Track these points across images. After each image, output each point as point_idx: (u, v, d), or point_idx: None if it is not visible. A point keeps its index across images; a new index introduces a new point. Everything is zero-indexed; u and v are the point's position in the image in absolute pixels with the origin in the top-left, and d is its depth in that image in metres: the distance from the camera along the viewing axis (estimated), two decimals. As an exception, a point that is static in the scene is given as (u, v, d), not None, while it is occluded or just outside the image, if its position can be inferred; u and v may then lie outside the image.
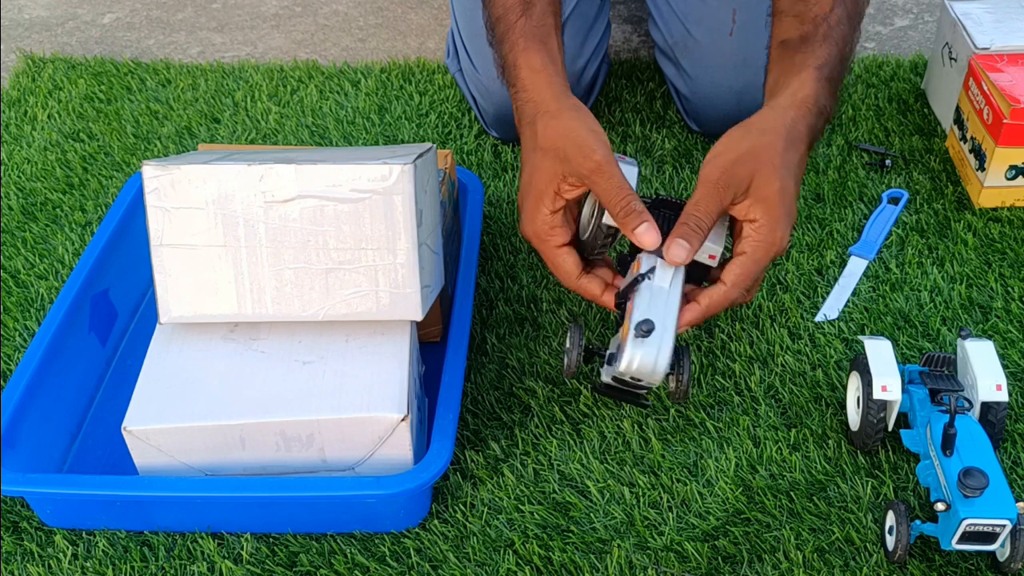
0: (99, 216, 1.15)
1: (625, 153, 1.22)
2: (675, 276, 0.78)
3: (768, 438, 0.88)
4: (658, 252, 0.79)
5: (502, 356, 0.97)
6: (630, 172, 0.80)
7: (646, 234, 0.76)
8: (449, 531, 0.82)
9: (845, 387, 0.92)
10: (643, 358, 0.75)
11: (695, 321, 0.80)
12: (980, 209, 1.12)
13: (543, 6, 0.86)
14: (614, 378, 0.78)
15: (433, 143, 0.91)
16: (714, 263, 0.81)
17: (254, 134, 1.27)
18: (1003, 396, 0.81)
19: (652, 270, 0.78)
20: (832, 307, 1.00)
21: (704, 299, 0.79)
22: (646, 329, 0.75)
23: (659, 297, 0.78)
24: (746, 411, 0.91)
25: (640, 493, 0.84)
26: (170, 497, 0.77)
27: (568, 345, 0.82)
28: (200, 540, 0.81)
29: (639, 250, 0.80)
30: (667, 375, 0.76)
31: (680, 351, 0.79)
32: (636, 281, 0.78)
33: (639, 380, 0.77)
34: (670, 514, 0.82)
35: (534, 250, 0.84)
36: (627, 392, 0.80)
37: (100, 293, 0.95)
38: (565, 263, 0.82)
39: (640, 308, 0.77)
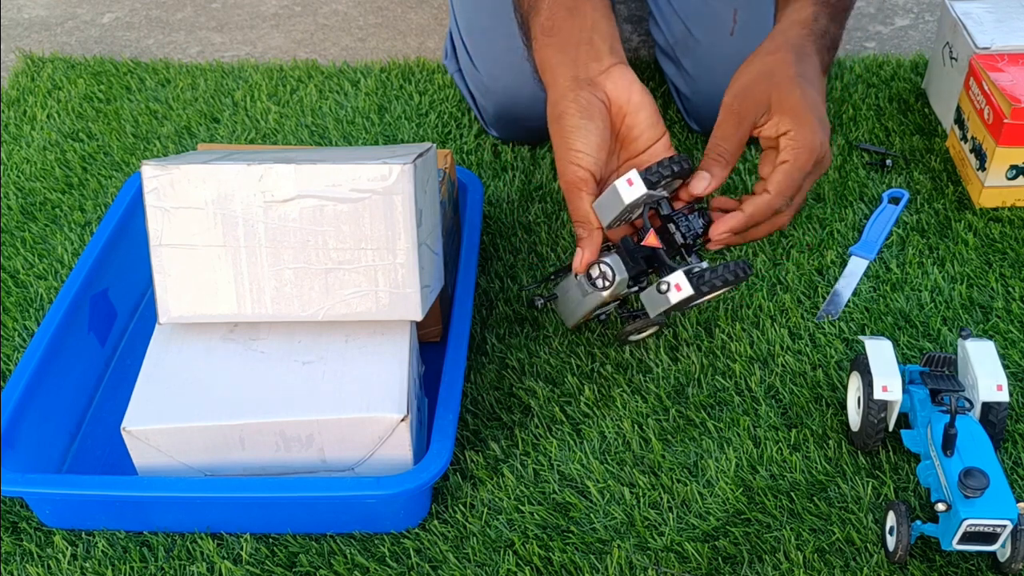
0: (98, 216, 1.14)
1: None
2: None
3: (768, 438, 0.88)
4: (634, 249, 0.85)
5: (502, 356, 0.97)
6: (617, 195, 0.80)
7: (577, 258, 0.82)
8: (449, 531, 0.82)
9: (845, 387, 0.92)
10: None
11: (738, 227, 0.80)
12: (981, 209, 1.12)
13: None
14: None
15: (433, 143, 0.90)
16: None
17: (254, 134, 1.27)
18: (1004, 396, 0.81)
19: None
20: (833, 307, 1.00)
21: (748, 206, 0.79)
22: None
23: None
24: (746, 411, 0.90)
25: (640, 493, 0.84)
26: (169, 497, 0.77)
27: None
28: (199, 540, 0.81)
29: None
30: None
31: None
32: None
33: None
34: (670, 514, 0.82)
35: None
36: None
37: (99, 293, 0.95)
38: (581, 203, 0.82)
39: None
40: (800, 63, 0.80)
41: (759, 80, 0.80)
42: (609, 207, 0.80)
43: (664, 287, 0.80)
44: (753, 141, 0.83)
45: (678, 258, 0.85)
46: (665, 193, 0.82)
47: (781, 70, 0.79)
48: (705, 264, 0.83)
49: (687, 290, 0.79)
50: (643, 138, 0.83)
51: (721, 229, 0.80)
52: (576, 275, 0.87)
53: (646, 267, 0.85)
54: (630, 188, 0.78)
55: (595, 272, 0.85)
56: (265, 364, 0.81)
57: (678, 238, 0.83)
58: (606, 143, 0.81)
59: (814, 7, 0.83)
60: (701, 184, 0.80)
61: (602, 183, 0.82)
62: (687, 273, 0.79)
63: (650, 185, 0.79)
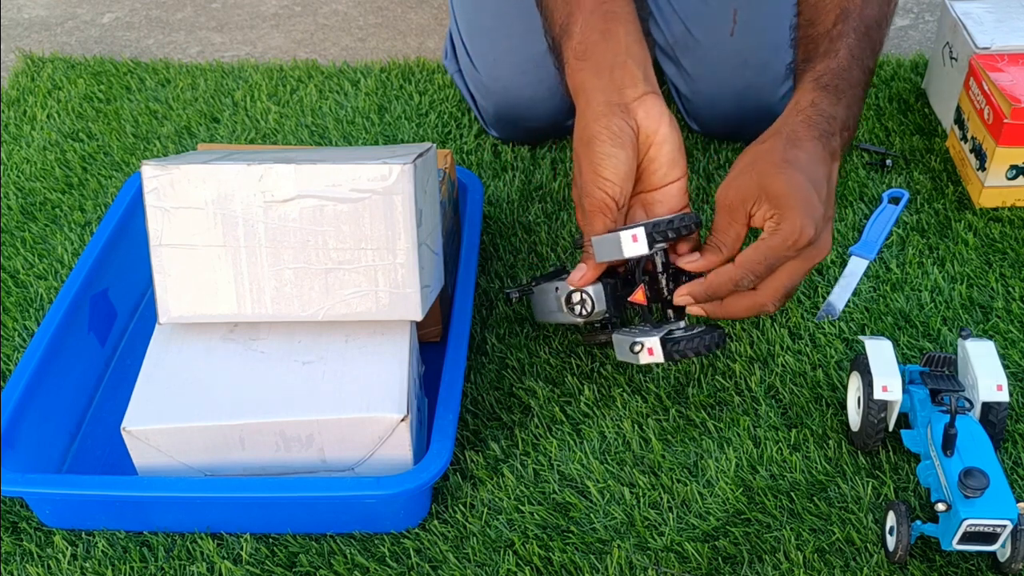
0: (98, 216, 1.14)
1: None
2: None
3: (768, 438, 0.88)
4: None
5: (502, 356, 0.97)
6: (619, 246, 0.81)
7: (576, 270, 0.84)
8: (449, 531, 0.82)
9: (845, 387, 0.92)
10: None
11: (698, 293, 0.81)
12: (981, 209, 1.12)
13: (584, 16, 0.83)
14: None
15: (433, 143, 0.90)
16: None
17: (253, 134, 1.27)
18: (1004, 396, 0.81)
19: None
20: (832, 307, 1.00)
21: (712, 274, 0.80)
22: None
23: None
24: (746, 411, 0.90)
25: (640, 493, 0.84)
26: (169, 497, 0.77)
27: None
28: (199, 540, 0.81)
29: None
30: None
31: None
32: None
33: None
34: (670, 514, 0.82)
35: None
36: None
37: (99, 293, 0.95)
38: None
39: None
40: (790, 149, 0.79)
41: (746, 170, 0.80)
42: (608, 250, 0.81)
43: (637, 347, 0.81)
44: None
45: (657, 308, 0.85)
46: (664, 246, 0.83)
47: (766, 158, 0.79)
48: (683, 325, 0.84)
49: (658, 356, 0.81)
50: (660, 174, 0.83)
51: (683, 292, 0.82)
52: (557, 289, 0.88)
53: (625, 309, 0.88)
54: (633, 244, 0.79)
55: (576, 298, 0.86)
56: (265, 364, 0.81)
57: (665, 292, 0.84)
58: (632, 173, 0.81)
59: (812, 93, 0.82)
60: (691, 261, 0.82)
61: (622, 211, 0.82)
62: (663, 340, 0.81)
63: (653, 242, 0.80)
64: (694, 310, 0.83)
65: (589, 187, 0.80)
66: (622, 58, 0.81)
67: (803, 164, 0.78)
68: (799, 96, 0.83)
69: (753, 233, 0.80)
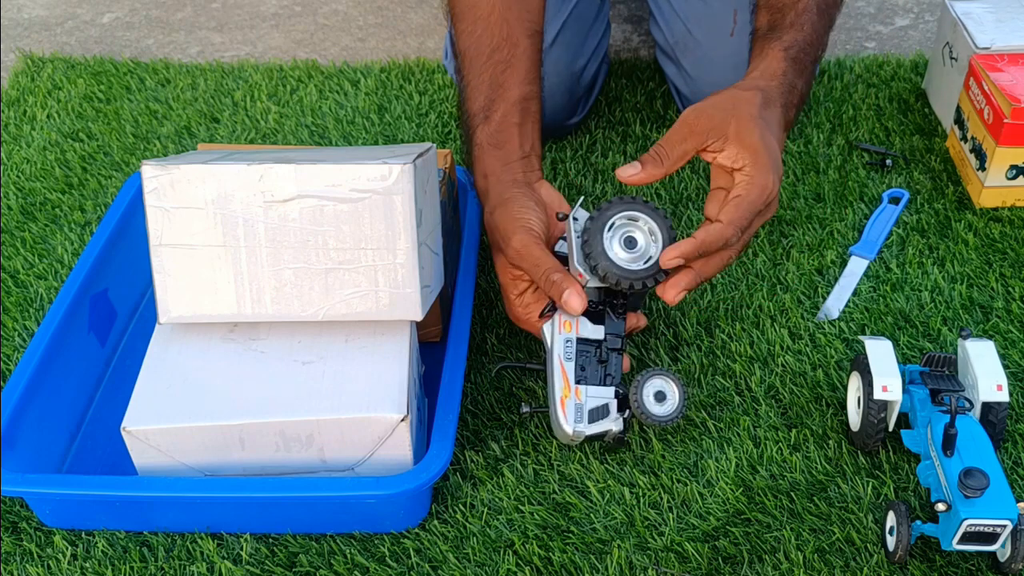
0: (98, 216, 1.14)
1: (625, 152, 1.21)
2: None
3: (768, 438, 0.88)
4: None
5: (502, 356, 0.96)
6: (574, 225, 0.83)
7: (569, 300, 0.80)
8: (449, 531, 0.82)
9: (846, 387, 0.92)
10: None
11: (689, 252, 0.79)
12: (981, 209, 1.12)
13: (506, 107, 0.90)
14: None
15: (433, 143, 0.90)
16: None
17: (253, 134, 1.27)
18: (1004, 396, 0.81)
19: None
20: (833, 307, 1.00)
21: (701, 233, 0.80)
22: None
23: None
24: (746, 411, 0.90)
25: (640, 493, 0.84)
26: (169, 497, 0.77)
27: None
28: (199, 540, 0.81)
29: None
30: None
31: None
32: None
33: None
34: (670, 514, 0.82)
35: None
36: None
37: (99, 293, 0.95)
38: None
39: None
40: (766, 108, 0.83)
41: (723, 106, 0.82)
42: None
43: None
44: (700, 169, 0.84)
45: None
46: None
47: (746, 107, 0.82)
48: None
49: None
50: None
51: (672, 254, 0.79)
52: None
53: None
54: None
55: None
56: (265, 364, 0.81)
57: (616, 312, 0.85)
58: (545, 231, 0.85)
59: (783, 63, 0.86)
60: (628, 171, 0.82)
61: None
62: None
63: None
64: (665, 264, 0.80)
65: (513, 230, 0.83)
66: (527, 151, 0.90)
67: (772, 126, 0.83)
68: (771, 63, 0.86)
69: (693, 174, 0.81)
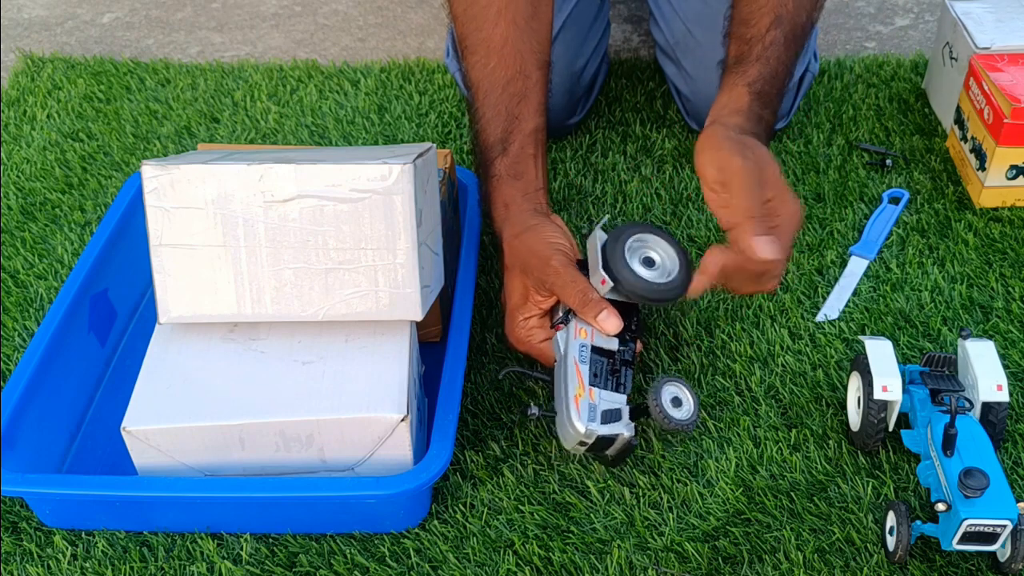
0: (98, 216, 1.14)
1: (625, 152, 1.21)
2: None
3: (768, 438, 0.88)
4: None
5: (502, 356, 0.96)
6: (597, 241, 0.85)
7: (607, 320, 0.82)
8: (449, 531, 0.82)
9: (846, 387, 0.92)
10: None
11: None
12: (981, 209, 1.12)
13: (522, 138, 0.91)
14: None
15: (433, 143, 0.90)
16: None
17: (253, 134, 1.27)
18: (1004, 396, 0.81)
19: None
20: (833, 307, 1.00)
21: (757, 264, 0.79)
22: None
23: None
24: (746, 411, 0.90)
25: (640, 493, 0.84)
26: (169, 497, 0.77)
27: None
28: (199, 540, 0.81)
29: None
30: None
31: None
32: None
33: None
34: (670, 514, 0.82)
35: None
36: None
37: (99, 293, 0.95)
38: (550, 351, 0.87)
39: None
40: (759, 142, 0.84)
41: (742, 153, 0.80)
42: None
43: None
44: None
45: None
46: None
47: (757, 146, 0.82)
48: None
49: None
50: None
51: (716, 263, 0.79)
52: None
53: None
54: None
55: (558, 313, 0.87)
56: (265, 364, 0.81)
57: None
58: (574, 254, 0.86)
59: (748, 97, 0.87)
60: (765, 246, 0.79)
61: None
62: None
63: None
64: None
65: (548, 251, 0.84)
66: (542, 184, 0.93)
67: (747, 142, 0.83)
68: (737, 99, 0.87)
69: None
